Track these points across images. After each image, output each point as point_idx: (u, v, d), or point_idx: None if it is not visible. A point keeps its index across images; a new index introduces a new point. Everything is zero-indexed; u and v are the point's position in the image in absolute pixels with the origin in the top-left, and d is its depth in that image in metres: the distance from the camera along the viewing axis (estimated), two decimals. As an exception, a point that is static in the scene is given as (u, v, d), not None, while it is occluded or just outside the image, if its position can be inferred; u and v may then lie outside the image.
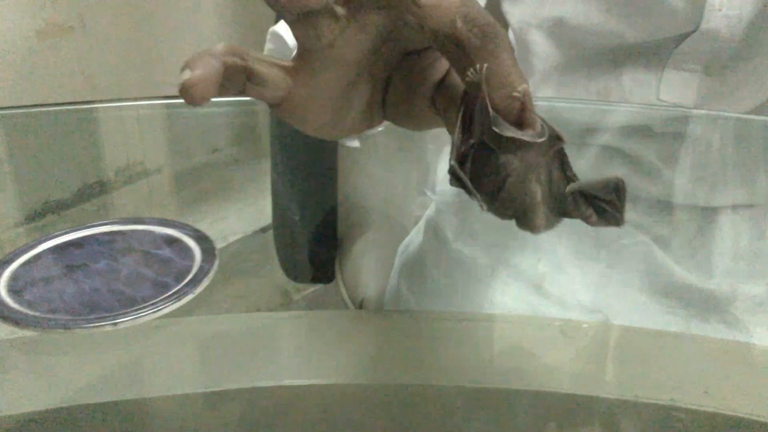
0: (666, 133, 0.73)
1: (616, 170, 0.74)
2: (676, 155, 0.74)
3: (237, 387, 0.54)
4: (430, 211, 0.82)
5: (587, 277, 0.73)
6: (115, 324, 0.48)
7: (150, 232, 0.60)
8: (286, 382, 0.54)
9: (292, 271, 0.84)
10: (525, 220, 0.36)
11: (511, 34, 0.78)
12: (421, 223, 0.82)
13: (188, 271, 0.54)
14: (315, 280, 0.87)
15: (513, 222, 0.36)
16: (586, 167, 0.75)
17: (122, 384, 0.54)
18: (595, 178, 0.34)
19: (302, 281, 0.85)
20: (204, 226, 0.72)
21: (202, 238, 0.59)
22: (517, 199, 0.35)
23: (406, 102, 0.39)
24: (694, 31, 0.67)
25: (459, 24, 0.32)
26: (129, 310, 0.49)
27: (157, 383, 0.55)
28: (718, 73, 0.69)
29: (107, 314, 0.49)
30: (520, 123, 0.35)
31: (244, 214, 0.93)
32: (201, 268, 0.54)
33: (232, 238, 1.05)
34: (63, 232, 0.60)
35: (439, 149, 0.83)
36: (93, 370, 0.54)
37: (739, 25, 0.66)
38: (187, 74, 0.32)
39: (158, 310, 0.50)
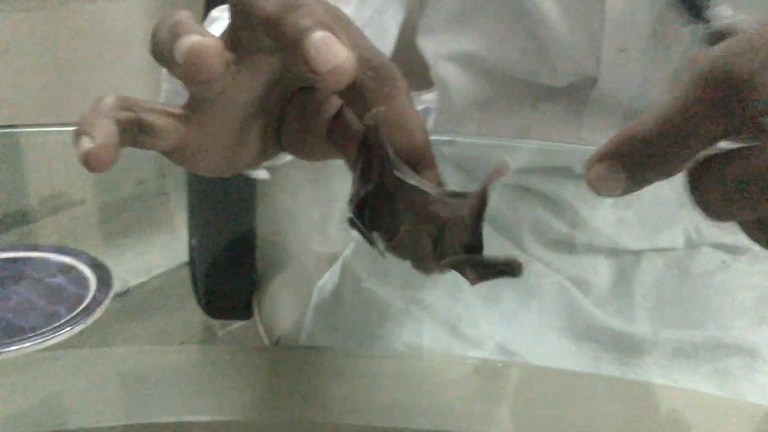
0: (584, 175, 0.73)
1: (534, 210, 0.75)
2: (596, 197, 0.74)
3: (133, 422, 0.52)
4: (347, 250, 0.81)
5: (504, 318, 0.73)
6: (-5, 353, 0.47)
7: (45, 260, 0.59)
8: (187, 417, 0.52)
9: (208, 306, 0.82)
10: (416, 267, 0.36)
11: (433, 74, 0.79)
12: (339, 261, 0.81)
13: (81, 301, 0.53)
14: (232, 316, 0.86)
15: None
16: (503, 206, 0.75)
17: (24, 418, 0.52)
18: (494, 258, 0.33)
19: (219, 317, 0.84)
20: (128, 259, 0.70)
21: (98, 266, 0.57)
22: (409, 247, 0.35)
23: (302, 137, 0.38)
24: (596, 84, 0.68)
25: None
26: (13, 339, 0.47)
27: (55, 415, 0.53)
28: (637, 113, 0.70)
29: (-11, 343, 0.48)
30: (421, 168, 0.34)
31: (169, 248, 0.91)
32: (95, 298, 0.53)
33: (155, 272, 1.03)
34: (-47, 257, 0.58)
35: (346, 182, 0.82)
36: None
37: (634, 70, 0.67)
38: (86, 143, 0.31)
39: (45, 340, 0.48)
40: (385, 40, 0.71)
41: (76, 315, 0.51)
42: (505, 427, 0.54)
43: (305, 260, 0.90)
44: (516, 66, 0.71)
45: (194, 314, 0.90)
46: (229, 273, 0.82)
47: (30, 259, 0.59)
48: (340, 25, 0.32)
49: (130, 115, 0.33)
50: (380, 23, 0.70)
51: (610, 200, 0.74)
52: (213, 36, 0.32)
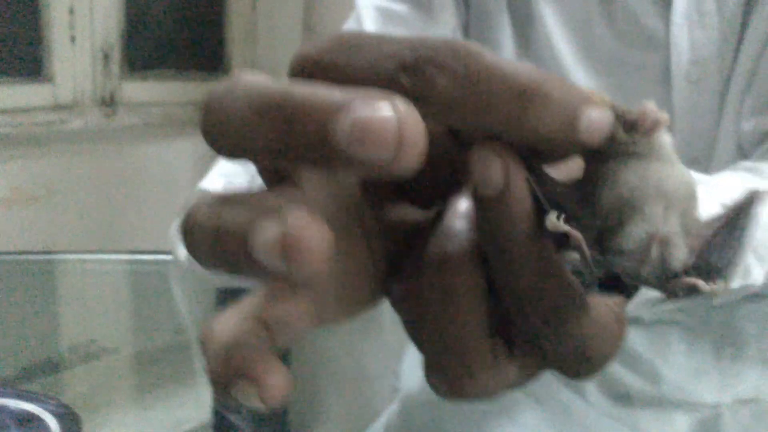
0: (655, 322, 0.68)
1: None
2: (668, 347, 0.69)
3: None
4: (393, 406, 0.74)
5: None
6: None
7: (1, 408, 0.50)
8: None
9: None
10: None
11: None
12: (383, 419, 0.74)
13: None
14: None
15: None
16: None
17: None
18: None
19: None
20: (159, 413, 0.65)
21: (66, 416, 0.49)
22: None
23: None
24: None
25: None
26: None
27: None
28: None
29: None
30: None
31: (203, 401, 0.85)
32: None
33: (186, 426, 0.96)
34: None
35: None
36: None
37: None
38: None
39: None
40: None
41: None
42: None
43: (345, 414, 0.83)
44: None
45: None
46: (257, 427, 0.76)
47: None
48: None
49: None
50: None
51: (685, 349, 0.69)
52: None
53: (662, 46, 0.67)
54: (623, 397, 0.69)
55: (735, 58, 0.66)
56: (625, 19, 0.67)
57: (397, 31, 0.69)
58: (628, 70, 0.68)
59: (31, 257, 0.82)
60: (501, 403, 0.65)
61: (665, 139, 0.27)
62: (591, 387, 0.69)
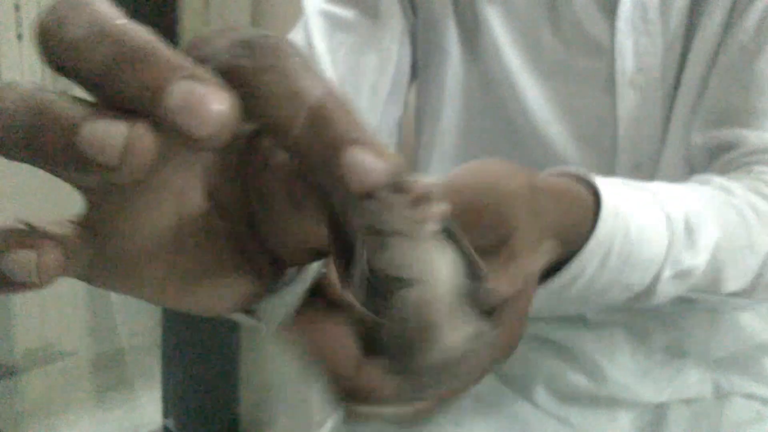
0: (600, 322, 0.70)
1: (547, 360, 0.71)
2: (613, 347, 0.71)
3: None
4: (338, 414, 0.76)
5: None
6: None
7: None
8: None
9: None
10: None
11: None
12: (329, 425, 0.75)
13: None
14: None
15: None
16: (516, 360, 0.71)
17: None
18: None
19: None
20: (117, 416, 0.66)
21: None
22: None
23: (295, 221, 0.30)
24: None
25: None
26: None
27: None
28: None
29: None
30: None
31: (161, 403, 0.86)
32: None
33: (143, 430, 0.97)
34: None
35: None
36: None
37: None
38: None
39: None
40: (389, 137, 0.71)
41: None
42: None
43: (295, 421, 0.84)
44: None
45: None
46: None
47: None
48: None
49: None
50: (385, 115, 0.70)
51: (630, 349, 0.71)
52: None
53: (607, 52, 0.67)
54: (569, 397, 0.70)
55: (681, 68, 0.67)
56: (571, 26, 0.67)
57: (344, 37, 0.69)
58: (574, 76, 0.68)
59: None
60: (448, 410, 0.67)
61: (431, 220, 0.26)
62: (538, 388, 0.71)
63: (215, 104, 0.21)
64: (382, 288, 0.26)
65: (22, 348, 0.77)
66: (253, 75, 0.23)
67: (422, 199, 0.25)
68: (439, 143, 0.74)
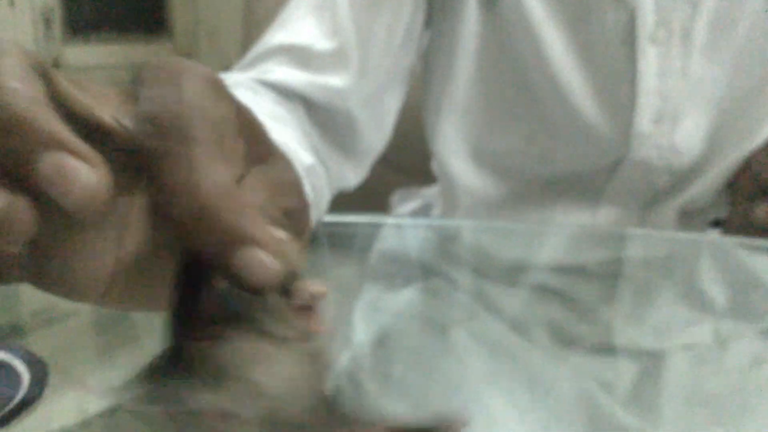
0: (602, 274, 0.71)
1: (551, 309, 0.72)
2: (613, 296, 0.72)
3: None
4: (346, 353, 0.77)
5: (517, 422, 0.68)
6: None
7: None
8: None
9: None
10: None
11: (436, 168, 0.77)
12: (336, 366, 0.76)
13: (7, 403, 0.48)
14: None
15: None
16: (519, 305, 0.72)
17: None
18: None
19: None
20: (121, 374, 0.66)
21: (34, 362, 0.52)
22: None
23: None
24: (623, 161, 0.66)
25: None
26: None
27: None
28: (655, 206, 0.68)
29: None
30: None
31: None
32: (24, 400, 0.48)
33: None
34: None
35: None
36: None
37: (673, 154, 0.66)
38: None
39: None
40: (384, 121, 0.70)
41: None
42: None
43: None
44: (523, 155, 0.69)
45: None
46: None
47: None
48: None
49: None
50: (380, 102, 0.70)
51: (629, 300, 0.72)
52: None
53: (629, 5, 0.66)
54: (569, 343, 0.72)
55: (701, 22, 0.67)
56: None
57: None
58: (596, 28, 0.68)
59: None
60: (448, 347, 0.67)
61: (310, 337, 0.25)
62: (539, 331, 0.72)
63: (83, 176, 0.21)
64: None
65: (29, 309, 0.78)
66: (154, 158, 0.23)
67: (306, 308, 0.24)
68: (449, 94, 0.73)
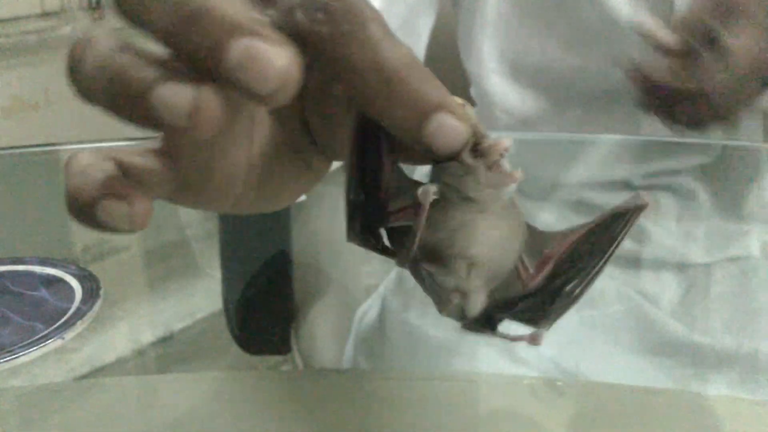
0: (646, 187, 0.69)
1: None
2: (658, 210, 0.70)
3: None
4: (385, 279, 0.77)
5: (565, 337, 0.68)
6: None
7: (29, 273, 0.56)
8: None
9: (244, 343, 0.78)
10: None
11: (473, 91, 0.76)
12: (381, 289, 0.77)
13: (62, 314, 0.50)
14: (270, 351, 0.81)
15: None
16: (561, 221, 0.70)
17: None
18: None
19: (257, 353, 0.80)
20: (171, 304, 0.67)
21: (87, 278, 0.55)
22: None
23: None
24: None
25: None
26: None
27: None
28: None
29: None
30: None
31: (214, 291, 0.89)
32: (78, 311, 0.50)
33: (199, 315, 1.00)
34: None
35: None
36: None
37: None
38: (122, 208, 0.23)
39: (14, 358, 0.45)
40: (417, 45, 0.69)
41: (54, 330, 0.48)
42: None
43: (345, 286, 0.86)
44: (560, 64, 0.67)
45: (239, 356, 0.87)
46: (264, 305, 0.79)
47: (14, 272, 0.57)
48: None
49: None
50: (412, 26, 0.68)
51: (674, 213, 0.70)
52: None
53: None
54: (616, 258, 0.70)
55: None
56: None
57: None
58: None
59: (36, 150, 0.83)
60: None
61: (504, 191, 0.26)
62: None
63: (276, 61, 0.21)
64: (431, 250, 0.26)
65: (80, 245, 0.80)
66: (331, 43, 0.23)
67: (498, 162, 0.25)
68: (481, 9, 0.72)
